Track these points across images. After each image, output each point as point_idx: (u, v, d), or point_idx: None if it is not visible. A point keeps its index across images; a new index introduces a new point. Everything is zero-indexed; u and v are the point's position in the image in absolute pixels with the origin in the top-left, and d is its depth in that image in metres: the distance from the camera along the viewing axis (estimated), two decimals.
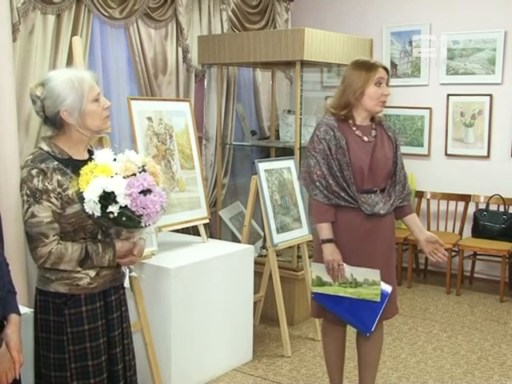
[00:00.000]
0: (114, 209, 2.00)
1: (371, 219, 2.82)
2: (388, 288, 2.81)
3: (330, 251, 2.81)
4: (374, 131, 2.87)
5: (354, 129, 2.83)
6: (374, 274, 2.78)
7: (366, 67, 2.80)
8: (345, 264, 2.80)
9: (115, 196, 1.99)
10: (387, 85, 2.82)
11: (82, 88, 2.11)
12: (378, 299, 2.78)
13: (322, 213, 2.83)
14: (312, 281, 2.91)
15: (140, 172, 2.09)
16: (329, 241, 2.81)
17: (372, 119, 2.90)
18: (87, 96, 2.12)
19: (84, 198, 2.02)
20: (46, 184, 2.06)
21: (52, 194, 2.06)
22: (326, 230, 2.82)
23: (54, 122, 2.14)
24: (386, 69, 2.83)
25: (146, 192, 2.04)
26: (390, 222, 2.93)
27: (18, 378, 2.02)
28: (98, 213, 2.01)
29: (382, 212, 2.81)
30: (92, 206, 2.01)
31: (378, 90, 2.78)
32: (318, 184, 2.79)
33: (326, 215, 2.82)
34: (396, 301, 3.03)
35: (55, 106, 2.10)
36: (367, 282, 2.79)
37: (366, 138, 2.83)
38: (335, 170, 2.76)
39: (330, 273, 2.82)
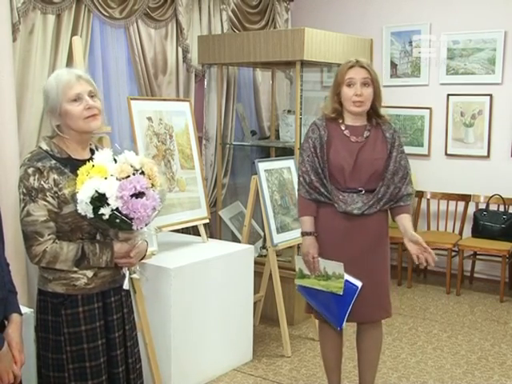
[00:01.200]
0: (105, 211, 1.98)
1: (352, 218, 2.83)
2: (358, 283, 2.80)
3: (306, 244, 2.88)
4: (367, 132, 2.87)
5: (343, 128, 2.86)
6: (338, 267, 2.81)
7: (340, 69, 2.86)
8: (320, 258, 2.85)
9: (107, 198, 1.98)
10: (372, 84, 2.79)
11: (58, 87, 2.10)
12: (341, 292, 2.81)
13: (303, 207, 2.91)
14: (296, 273, 2.98)
15: (136, 174, 2.07)
16: (308, 234, 2.88)
17: (370, 119, 2.89)
18: (63, 96, 2.09)
19: (77, 199, 2.01)
20: (42, 183, 2.05)
21: (48, 193, 2.06)
22: (306, 224, 2.89)
23: (50, 121, 2.17)
24: (365, 67, 2.80)
25: (138, 195, 2.02)
26: (376, 222, 2.89)
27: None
28: (90, 214, 2.00)
29: (355, 212, 2.81)
30: (84, 208, 2.00)
31: (350, 90, 2.79)
32: (301, 179, 2.88)
33: (307, 209, 2.90)
34: (387, 304, 2.97)
35: (44, 106, 2.15)
36: (335, 275, 2.83)
37: (353, 139, 2.85)
38: (317, 167, 2.83)
39: (306, 265, 2.89)
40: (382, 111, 2.91)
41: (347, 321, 3.03)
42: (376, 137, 2.87)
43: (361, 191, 2.83)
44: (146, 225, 2.10)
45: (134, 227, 2.05)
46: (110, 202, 1.98)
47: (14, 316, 2.03)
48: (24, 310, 2.54)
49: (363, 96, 2.78)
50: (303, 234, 2.90)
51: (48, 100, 2.12)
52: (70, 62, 3.66)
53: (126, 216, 2.00)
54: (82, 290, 2.15)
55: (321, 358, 3.84)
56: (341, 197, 2.82)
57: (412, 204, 3.00)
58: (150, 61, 4.44)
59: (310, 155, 2.84)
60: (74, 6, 3.78)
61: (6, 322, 2.01)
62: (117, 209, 1.99)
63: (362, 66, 2.80)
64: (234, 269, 3.71)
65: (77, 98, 2.10)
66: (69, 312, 2.13)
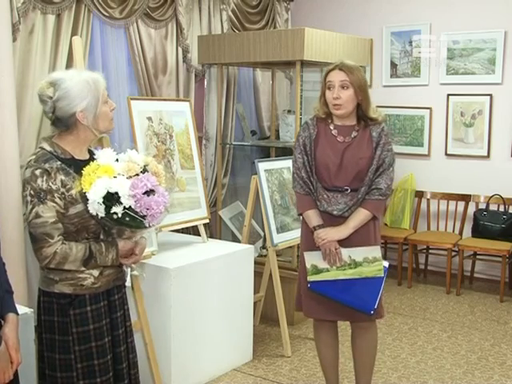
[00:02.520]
0: (118, 209, 2.01)
1: (334, 219, 2.85)
2: (386, 264, 2.86)
3: None
4: (354, 132, 2.87)
5: (332, 128, 2.89)
6: (373, 251, 2.83)
7: (324, 72, 2.89)
8: (341, 248, 2.83)
9: (119, 197, 2.01)
10: (352, 86, 2.77)
11: (98, 90, 2.14)
12: (382, 274, 2.83)
13: (303, 202, 2.93)
14: (307, 270, 2.91)
15: (142, 172, 2.10)
16: (319, 227, 2.87)
17: (359, 120, 2.87)
18: (102, 97, 2.15)
19: (88, 199, 2.02)
20: (50, 184, 2.05)
21: (56, 194, 2.06)
22: (314, 217, 2.89)
23: (65, 122, 2.13)
24: (343, 70, 2.78)
25: (149, 192, 2.05)
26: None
27: (13, 377, 2.02)
28: (102, 213, 2.02)
29: (334, 213, 2.83)
30: (96, 207, 2.02)
31: (329, 93, 2.82)
32: (295, 176, 2.93)
33: (307, 204, 2.91)
34: (378, 305, 2.92)
35: (71, 107, 2.10)
36: (367, 260, 2.83)
37: (340, 138, 2.86)
38: (306, 165, 2.88)
39: (327, 258, 2.85)
40: (376, 113, 2.88)
41: (339, 320, 3.06)
42: (363, 137, 2.86)
43: (346, 190, 2.83)
44: (159, 223, 2.13)
45: (147, 224, 2.07)
46: (122, 200, 2.00)
47: (11, 315, 2.03)
48: (24, 309, 2.55)
49: (341, 99, 2.79)
50: (315, 228, 2.87)
51: (81, 102, 2.09)
52: (70, 62, 3.67)
53: (137, 213, 2.02)
54: (90, 290, 2.17)
55: None
56: (325, 196, 2.85)
57: (381, 204, 2.86)
58: (149, 61, 4.44)
59: (301, 153, 2.89)
60: (74, 5, 3.78)
61: (3, 322, 2.01)
62: (129, 207, 2.01)
63: (341, 69, 2.80)
64: (234, 269, 3.71)
65: (107, 100, 2.20)
66: (77, 312, 2.15)
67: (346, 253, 2.84)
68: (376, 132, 2.86)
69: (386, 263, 2.86)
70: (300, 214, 2.99)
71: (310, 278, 2.90)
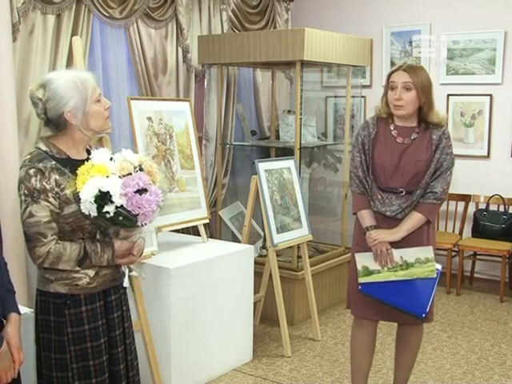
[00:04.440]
0: (109, 209, 2.00)
1: (387, 220, 2.83)
2: (439, 266, 2.85)
3: None
4: (415, 134, 2.85)
5: (392, 128, 2.87)
6: (426, 252, 2.83)
7: (388, 72, 2.90)
8: (393, 249, 2.82)
9: (111, 196, 2.00)
10: (415, 88, 2.77)
11: (86, 89, 2.12)
12: (435, 275, 2.83)
13: (358, 201, 2.92)
14: (358, 272, 2.88)
15: (136, 171, 2.10)
16: (372, 227, 2.85)
17: (420, 121, 2.86)
18: (90, 97, 2.13)
19: (80, 199, 2.02)
20: (44, 183, 2.05)
21: (50, 194, 2.06)
22: (367, 218, 2.88)
23: (57, 123, 2.12)
24: (407, 71, 2.78)
25: (141, 191, 2.04)
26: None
27: (16, 376, 2.02)
28: (94, 213, 2.02)
29: (388, 214, 2.82)
30: (88, 207, 2.01)
31: (391, 94, 2.82)
32: (352, 175, 2.93)
33: (362, 203, 2.90)
34: (430, 311, 2.92)
35: (59, 107, 2.09)
36: (419, 260, 2.82)
37: (399, 140, 2.84)
38: (363, 164, 2.87)
39: (378, 259, 2.84)
40: (439, 116, 2.88)
41: (388, 320, 3.05)
42: (423, 139, 2.84)
43: (401, 192, 2.81)
44: (151, 221, 2.12)
45: (139, 223, 2.07)
46: (114, 199, 2.00)
47: (13, 315, 2.03)
48: (24, 310, 2.55)
49: (403, 100, 2.78)
50: (368, 228, 2.86)
51: (68, 102, 2.08)
52: (70, 62, 3.67)
53: (129, 212, 2.02)
54: (85, 290, 2.16)
55: (321, 358, 3.86)
56: (379, 196, 2.84)
57: (435, 208, 2.84)
58: (149, 61, 4.44)
59: (359, 152, 2.88)
60: (74, 6, 3.78)
61: (5, 322, 2.02)
62: (121, 206, 2.01)
63: (405, 70, 2.79)
64: (234, 269, 3.71)
65: (99, 99, 2.17)
66: (72, 312, 2.14)
67: (397, 254, 2.82)
68: (437, 135, 2.84)
69: (438, 266, 2.84)
70: (354, 213, 2.97)
71: (361, 280, 2.88)
